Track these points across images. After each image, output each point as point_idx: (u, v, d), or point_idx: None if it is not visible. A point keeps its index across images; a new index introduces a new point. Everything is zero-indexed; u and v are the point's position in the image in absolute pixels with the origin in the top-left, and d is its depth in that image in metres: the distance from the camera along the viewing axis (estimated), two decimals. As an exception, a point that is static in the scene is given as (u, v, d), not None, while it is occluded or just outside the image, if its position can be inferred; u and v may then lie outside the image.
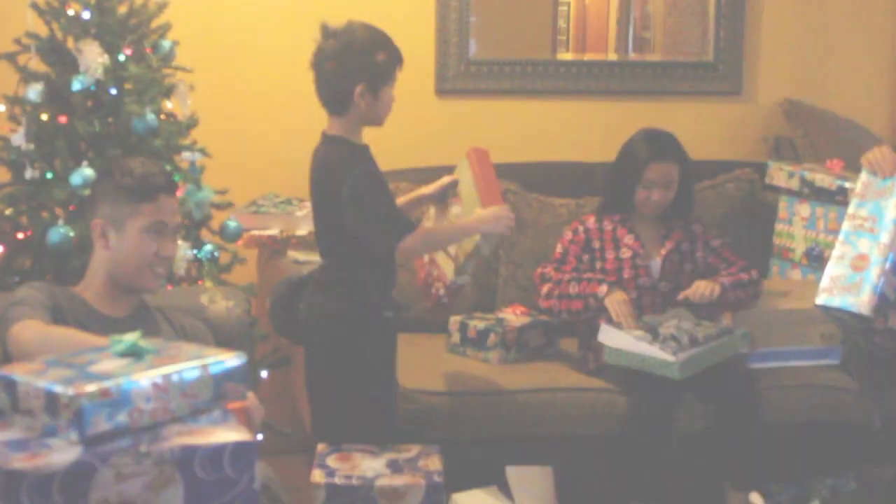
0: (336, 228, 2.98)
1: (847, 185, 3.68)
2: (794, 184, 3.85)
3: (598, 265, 3.52)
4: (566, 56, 4.46)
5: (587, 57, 4.46)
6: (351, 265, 2.99)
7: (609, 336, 3.31)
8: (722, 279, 3.43)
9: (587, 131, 4.40)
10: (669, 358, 3.18)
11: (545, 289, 3.51)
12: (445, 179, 3.21)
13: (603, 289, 3.37)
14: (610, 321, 3.32)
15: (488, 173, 3.13)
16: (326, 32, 2.97)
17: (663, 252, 3.52)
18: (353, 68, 2.92)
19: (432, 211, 3.25)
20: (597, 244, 3.53)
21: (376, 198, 2.94)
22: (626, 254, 3.50)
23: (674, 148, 3.50)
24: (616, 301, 3.34)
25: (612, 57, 4.49)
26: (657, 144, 3.48)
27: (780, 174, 3.92)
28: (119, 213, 2.50)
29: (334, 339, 3.03)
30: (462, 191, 3.14)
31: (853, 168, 3.86)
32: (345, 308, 3.00)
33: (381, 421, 3.05)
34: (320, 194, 3.01)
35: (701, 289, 3.38)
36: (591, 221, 3.57)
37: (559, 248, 3.58)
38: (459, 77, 4.30)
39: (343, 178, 2.91)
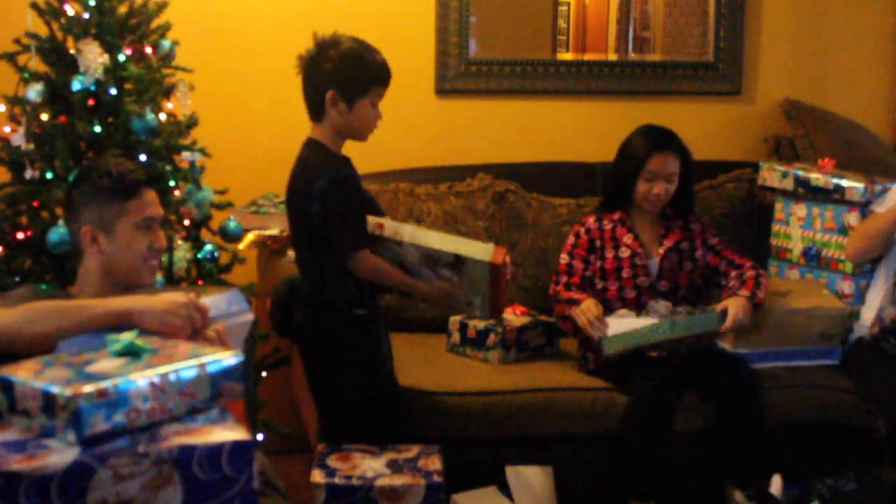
0: (305, 228, 3.04)
1: (844, 183, 3.68)
2: (789, 184, 3.85)
3: (598, 264, 3.52)
4: (566, 56, 4.46)
5: (587, 57, 4.46)
6: (318, 265, 3.03)
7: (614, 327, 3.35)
8: (758, 294, 3.42)
9: (587, 131, 4.40)
10: (655, 320, 3.26)
11: (556, 310, 3.53)
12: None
13: (574, 311, 3.39)
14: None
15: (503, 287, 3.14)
16: (314, 40, 3.03)
17: (661, 251, 3.53)
18: (324, 75, 2.99)
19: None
20: (598, 243, 3.53)
21: (345, 201, 2.97)
22: (625, 253, 3.50)
23: (674, 140, 3.51)
24: (579, 313, 3.36)
25: (612, 57, 4.49)
26: (657, 136, 3.49)
27: (772, 174, 3.93)
28: (106, 215, 2.48)
29: (313, 343, 3.12)
30: (467, 274, 3.09)
31: (846, 167, 3.87)
32: (313, 312, 3.08)
33: (376, 418, 3.06)
34: (293, 193, 3.06)
35: (739, 317, 3.36)
36: (591, 221, 3.57)
37: (563, 259, 3.56)
38: (459, 77, 4.30)
39: (316, 177, 2.97)
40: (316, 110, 3.03)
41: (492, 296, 3.06)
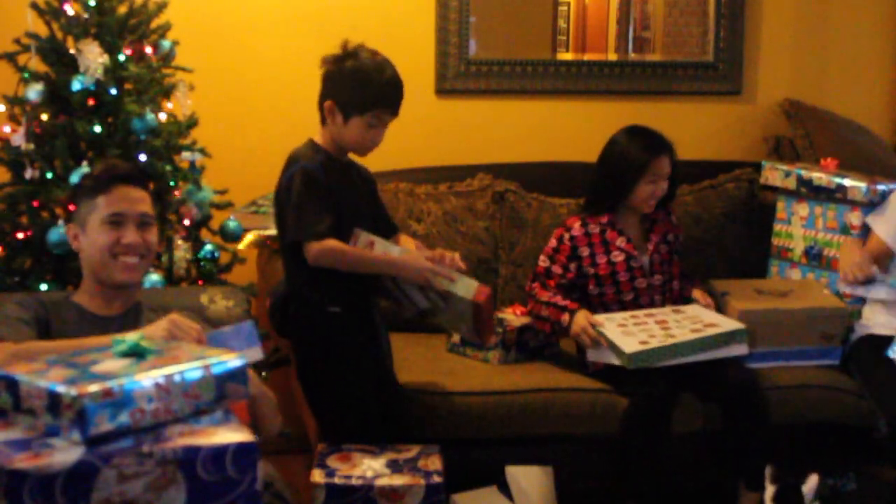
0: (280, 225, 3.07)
1: (846, 182, 3.68)
2: (791, 183, 3.86)
3: (591, 271, 3.50)
4: (566, 56, 4.46)
5: (587, 57, 4.46)
6: (294, 262, 3.02)
7: (592, 354, 3.40)
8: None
9: (587, 131, 4.38)
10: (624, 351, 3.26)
11: (529, 306, 3.54)
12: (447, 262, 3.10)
13: (565, 318, 3.40)
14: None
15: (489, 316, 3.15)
16: (341, 46, 3.03)
17: (651, 246, 3.53)
18: (329, 83, 3.02)
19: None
20: (585, 251, 3.49)
21: (304, 192, 2.95)
22: (618, 257, 3.49)
23: (666, 140, 3.52)
24: (578, 329, 3.37)
25: (612, 57, 4.49)
26: (654, 139, 3.49)
27: (774, 174, 3.93)
28: (82, 213, 2.52)
29: (297, 342, 3.16)
30: (453, 306, 3.07)
31: (846, 167, 3.88)
32: (292, 311, 3.09)
33: (363, 417, 3.06)
34: (276, 187, 3.06)
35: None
36: (576, 227, 3.51)
37: (543, 261, 3.53)
38: (459, 77, 4.30)
39: (290, 168, 2.99)
40: (321, 114, 3.05)
41: (476, 327, 3.08)
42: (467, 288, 3.00)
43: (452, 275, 3.01)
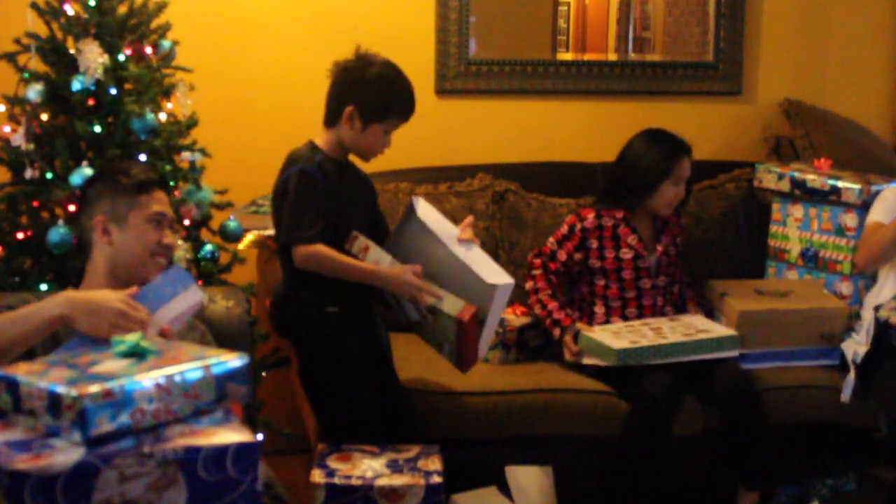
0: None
1: (839, 184, 3.68)
2: (785, 185, 3.86)
3: (597, 265, 3.51)
4: (566, 56, 4.46)
5: (587, 57, 4.46)
6: (291, 264, 3.02)
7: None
8: None
9: (587, 131, 4.40)
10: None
11: (528, 285, 3.58)
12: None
13: (556, 332, 3.47)
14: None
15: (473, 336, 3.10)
16: (356, 52, 3.06)
17: (660, 248, 3.54)
18: (351, 88, 3.02)
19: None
20: (594, 243, 3.52)
21: (299, 195, 2.96)
22: (626, 254, 3.49)
23: (686, 142, 3.56)
24: (567, 347, 3.45)
25: (612, 57, 4.49)
26: (676, 140, 3.52)
27: (768, 176, 3.93)
28: (119, 208, 2.57)
29: (296, 343, 3.17)
30: (439, 321, 3.07)
31: (845, 167, 3.88)
32: (292, 312, 3.11)
33: (367, 417, 3.06)
34: (274, 187, 3.08)
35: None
36: (590, 219, 3.54)
37: (552, 244, 3.57)
38: (459, 77, 4.30)
39: (288, 169, 3.01)
40: (331, 118, 3.06)
41: (459, 347, 3.06)
42: (453, 306, 3.00)
43: (439, 292, 3.01)
